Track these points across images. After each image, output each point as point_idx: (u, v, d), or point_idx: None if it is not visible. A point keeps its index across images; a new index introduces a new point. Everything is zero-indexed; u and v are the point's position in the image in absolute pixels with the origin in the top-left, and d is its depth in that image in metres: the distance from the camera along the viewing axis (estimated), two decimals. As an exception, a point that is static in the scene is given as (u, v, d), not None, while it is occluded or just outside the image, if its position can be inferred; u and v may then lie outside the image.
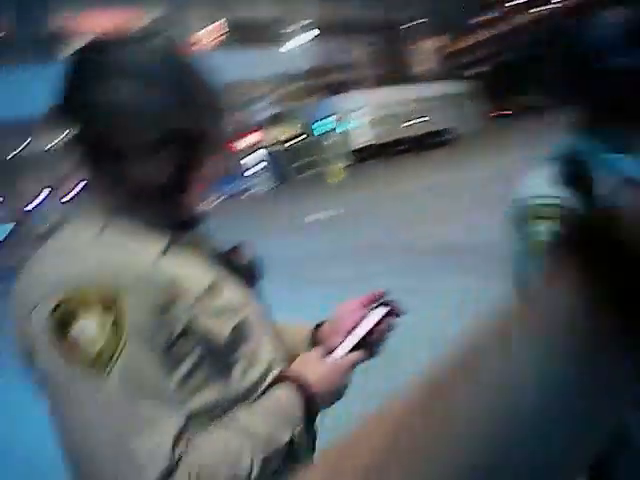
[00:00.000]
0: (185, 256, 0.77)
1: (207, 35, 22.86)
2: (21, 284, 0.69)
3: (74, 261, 0.67)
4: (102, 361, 0.62)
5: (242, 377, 0.77)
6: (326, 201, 12.84)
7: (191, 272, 0.75)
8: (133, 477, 0.61)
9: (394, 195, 11.30)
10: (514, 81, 46.35)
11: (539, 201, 1.02)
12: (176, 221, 0.80)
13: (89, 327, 0.63)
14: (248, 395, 0.77)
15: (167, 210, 0.79)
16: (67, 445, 0.65)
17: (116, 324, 0.64)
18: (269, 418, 0.74)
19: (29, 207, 19.34)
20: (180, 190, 0.79)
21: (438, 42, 40.63)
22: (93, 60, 0.75)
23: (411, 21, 34.87)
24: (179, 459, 0.63)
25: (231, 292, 0.78)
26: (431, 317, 3.85)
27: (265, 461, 0.69)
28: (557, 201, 1.00)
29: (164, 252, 0.74)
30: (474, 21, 44.69)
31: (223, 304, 0.75)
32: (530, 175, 1.10)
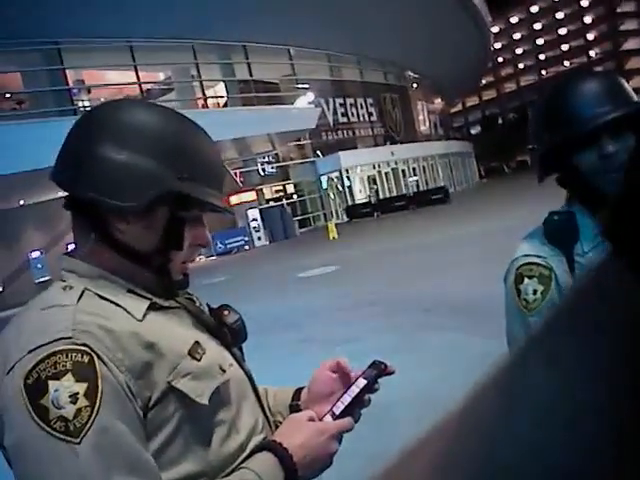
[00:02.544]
0: (167, 319, 0.77)
1: (213, 95, 23.78)
2: None
3: (51, 326, 0.66)
4: (75, 429, 0.60)
5: (222, 445, 0.74)
6: (323, 257, 12.92)
7: (172, 335, 0.74)
8: None
9: (391, 251, 11.41)
10: (507, 140, 47.83)
11: (526, 260, 1.12)
12: (160, 286, 0.79)
13: (62, 393, 0.61)
14: (227, 465, 0.74)
15: (151, 275, 0.78)
16: None
17: (90, 390, 0.62)
18: None
19: (30, 257, 19.38)
20: (166, 257, 0.79)
21: (435, 105, 42.14)
22: (88, 125, 0.77)
23: (410, 84, 36.30)
24: None
25: (213, 355, 0.77)
26: (429, 375, 3.87)
27: None
28: (542, 261, 1.09)
29: (143, 317, 0.73)
30: (470, 86, 46.50)
31: (204, 367, 0.73)
32: (525, 236, 1.19)
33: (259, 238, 22.62)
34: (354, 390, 0.84)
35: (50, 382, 0.61)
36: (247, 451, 0.77)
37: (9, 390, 0.62)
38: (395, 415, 3.33)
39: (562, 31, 65.19)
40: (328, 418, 0.82)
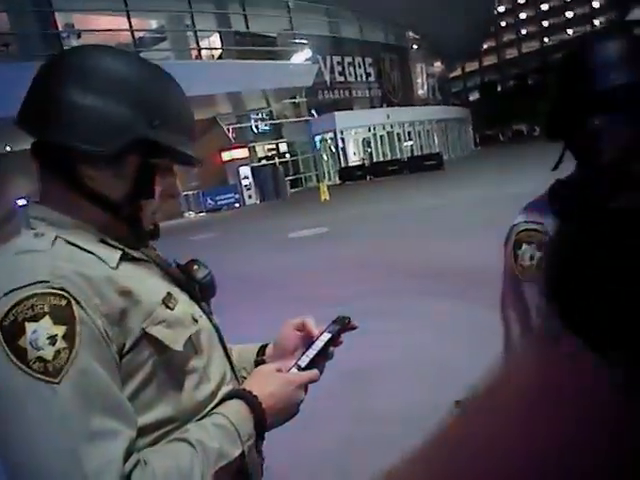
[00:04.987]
0: (139, 269, 0.78)
1: (208, 46, 23.06)
2: None
3: (27, 269, 0.66)
4: (54, 369, 0.61)
5: (194, 392, 0.76)
6: (313, 218, 12.91)
7: (145, 285, 0.75)
8: None
9: (382, 215, 11.42)
10: (505, 108, 47.40)
11: (526, 226, 1.13)
12: (131, 235, 0.80)
13: (41, 335, 0.61)
14: (199, 411, 0.76)
15: (122, 225, 0.78)
16: (12, 460, 0.62)
17: (68, 333, 0.62)
18: (219, 433, 0.73)
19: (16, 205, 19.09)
20: (137, 206, 0.78)
21: (435, 68, 41.35)
22: (56, 69, 0.75)
23: (411, 46, 35.46)
24: (129, 474, 0.62)
25: (184, 306, 0.78)
26: (413, 339, 3.94)
27: (216, 475, 0.69)
28: (543, 228, 1.09)
29: (117, 265, 0.73)
30: (471, 51, 45.58)
31: (177, 316, 0.75)
32: (528, 202, 1.19)
33: (250, 196, 22.46)
34: (318, 344, 0.88)
35: (27, 324, 0.61)
36: (217, 399, 0.79)
37: None
38: (380, 378, 3.41)
39: (568, -3, 63.56)
40: (294, 371, 0.85)
